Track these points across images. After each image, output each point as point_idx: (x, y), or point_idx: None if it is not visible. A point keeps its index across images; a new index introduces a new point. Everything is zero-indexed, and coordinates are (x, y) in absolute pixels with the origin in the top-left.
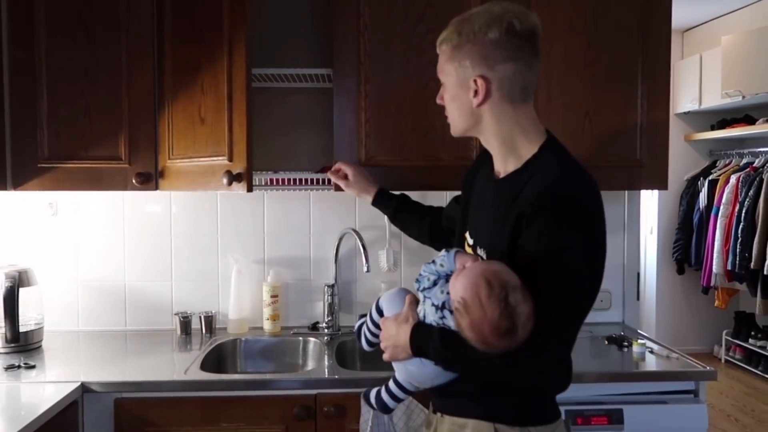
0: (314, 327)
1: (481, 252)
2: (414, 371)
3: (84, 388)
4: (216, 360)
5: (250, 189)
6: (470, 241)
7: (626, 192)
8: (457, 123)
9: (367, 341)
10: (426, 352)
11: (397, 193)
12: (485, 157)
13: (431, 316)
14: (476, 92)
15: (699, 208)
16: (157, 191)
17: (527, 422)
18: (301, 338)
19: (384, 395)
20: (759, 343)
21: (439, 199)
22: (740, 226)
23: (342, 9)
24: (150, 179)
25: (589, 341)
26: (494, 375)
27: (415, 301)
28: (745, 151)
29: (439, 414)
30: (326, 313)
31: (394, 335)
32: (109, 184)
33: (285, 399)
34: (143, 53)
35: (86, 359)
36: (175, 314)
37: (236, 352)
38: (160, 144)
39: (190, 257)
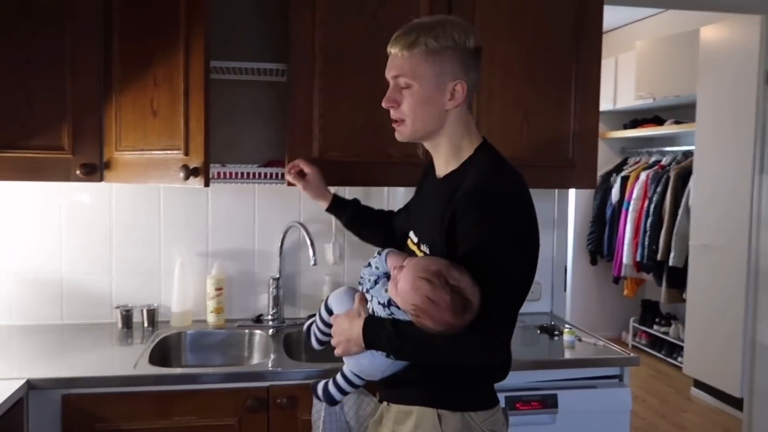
0: (258, 319)
1: (424, 248)
2: (365, 364)
3: (29, 385)
4: (161, 353)
5: (207, 184)
6: (414, 239)
7: (556, 190)
8: (419, 125)
9: (317, 340)
10: (378, 343)
11: (350, 198)
12: (428, 166)
13: (380, 313)
14: (452, 96)
15: (611, 202)
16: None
17: (468, 408)
18: (246, 330)
19: (331, 388)
20: (662, 329)
21: (380, 195)
22: (648, 221)
23: (297, 3)
24: (95, 170)
25: (523, 330)
26: (443, 358)
27: (365, 299)
28: (654, 149)
29: (385, 403)
30: (271, 305)
31: (347, 330)
32: (51, 174)
33: (237, 391)
34: (89, 43)
35: (26, 355)
36: (116, 307)
37: (181, 345)
38: (105, 135)
39: (130, 250)
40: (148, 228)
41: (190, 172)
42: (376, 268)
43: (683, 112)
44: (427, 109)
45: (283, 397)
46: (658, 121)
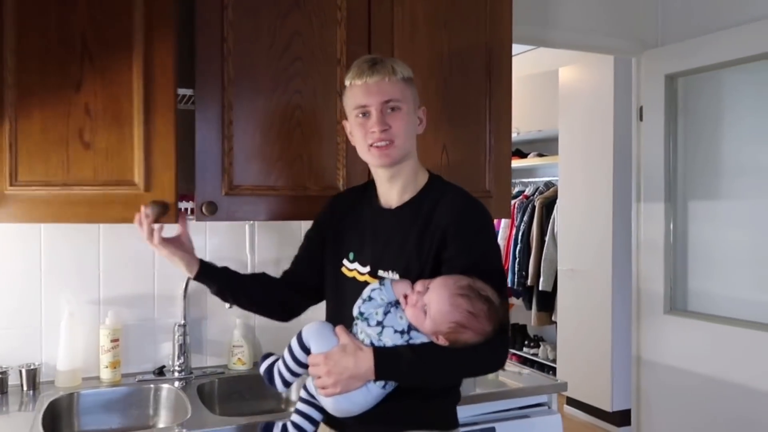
0: (161, 372)
1: (390, 274)
2: (356, 400)
3: None
4: (50, 421)
5: (176, 220)
6: (363, 270)
7: None
8: (405, 147)
9: (284, 381)
10: (396, 371)
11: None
12: (345, 199)
13: (393, 341)
14: (421, 121)
15: None
16: None
17: (449, 428)
18: (151, 386)
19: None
20: (531, 351)
21: (295, 229)
22: (518, 247)
23: (205, 33)
24: None
25: None
26: (469, 371)
27: (347, 331)
28: (516, 180)
29: None
30: (176, 354)
31: (352, 366)
32: None
33: None
34: None
35: None
36: None
37: (73, 409)
38: None
39: (3, 300)
40: (26, 273)
41: None
42: (382, 299)
43: (542, 145)
44: (411, 131)
45: None
46: (520, 154)
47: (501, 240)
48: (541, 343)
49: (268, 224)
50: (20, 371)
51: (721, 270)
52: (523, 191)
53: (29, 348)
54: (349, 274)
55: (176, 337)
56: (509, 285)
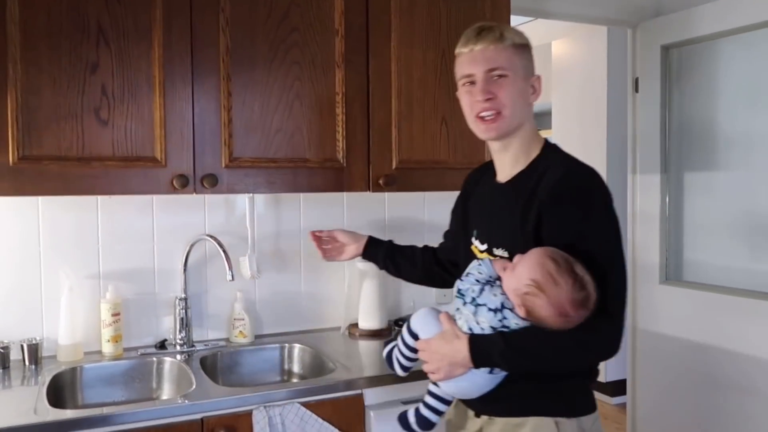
0: (163, 345)
1: (500, 252)
2: (465, 385)
3: None
4: (54, 395)
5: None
6: (481, 247)
7: None
8: (515, 117)
9: (402, 366)
10: (489, 360)
11: (384, 240)
12: (475, 175)
13: (488, 322)
14: (534, 90)
15: None
16: None
17: (581, 413)
18: (153, 359)
19: (425, 412)
20: None
21: (293, 202)
22: None
23: (202, 3)
24: None
25: None
26: (564, 360)
27: (452, 318)
28: None
29: (485, 417)
30: (178, 328)
31: (450, 353)
32: None
33: (167, 429)
34: None
35: None
36: None
37: (76, 383)
38: None
39: (2, 275)
40: (24, 249)
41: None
42: (479, 273)
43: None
44: (520, 100)
45: (221, 429)
46: None
47: None
48: None
49: (268, 197)
50: (22, 346)
51: (715, 240)
52: None
53: (30, 323)
54: (475, 252)
55: (177, 310)
56: None
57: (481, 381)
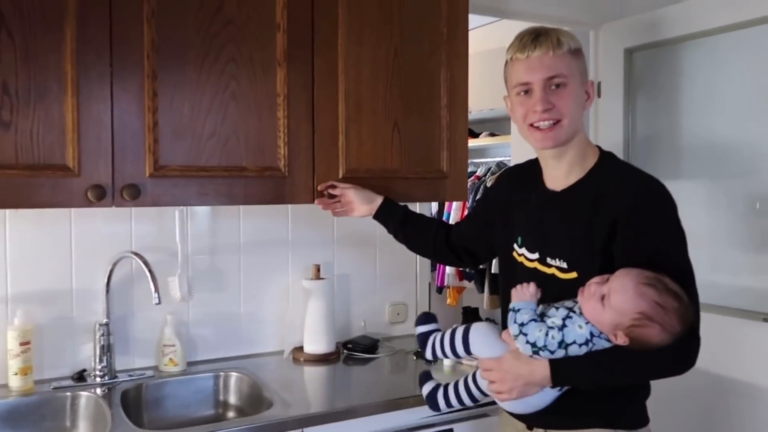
0: (81, 377)
1: (557, 262)
2: (533, 402)
3: None
4: None
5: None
6: (530, 255)
7: (417, 204)
8: (572, 127)
9: (434, 355)
10: (571, 381)
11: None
12: (516, 175)
13: (575, 352)
14: (588, 97)
15: (431, 213)
16: None
17: (638, 425)
18: (68, 393)
19: (454, 401)
20: None
21: (232, 212)
22: None
23: None
24: None
25: (398, 358)
26: (650, 375)
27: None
28: (468, 161)
29: (540, 430)
30: (98, 357)
31: (526, 374)
32: None
33: None
34: None
35: None
36: None
37: None
38: None
39: None
40: None
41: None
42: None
43: (494, 124)
44: (578, 109)
45: None
46: (472, 134)
47: (453, 221)
48: None
49: (202, 209)
50: None
51: None
52: (475, 172)
53: None
54: (519, 259)
55: (98, 336)
56: (462, 268)
57: (548, 398)
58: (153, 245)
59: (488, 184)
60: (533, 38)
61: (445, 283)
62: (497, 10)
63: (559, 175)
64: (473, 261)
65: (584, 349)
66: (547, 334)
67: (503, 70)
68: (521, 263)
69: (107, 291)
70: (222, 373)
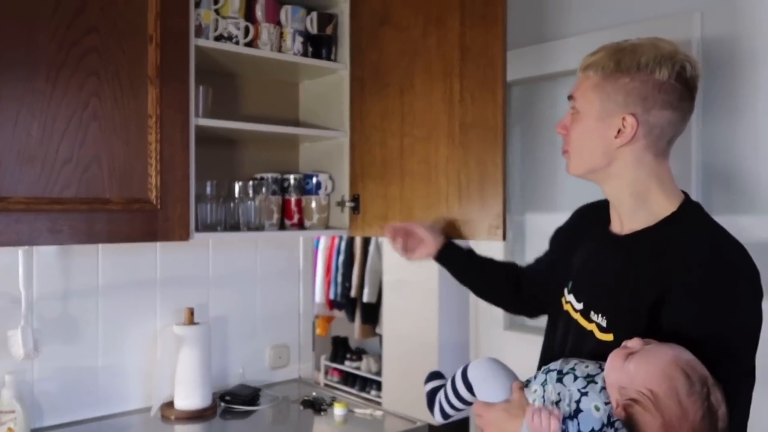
0: None
1: (598, 318)
2: None
3: None
4: None
5: None
6: (577, 306)
7: (301, 238)
8: (582, 160)
9: (443, 413)
10: None
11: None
12: (590, 213)
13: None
14: (620, 131)
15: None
16: None
17: None
18: None
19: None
20: (354, 364)
21: (90, 253)
22: (340, 258)
23: None
24: None
25: (281, 408)
26: None
27: (522, 389)
28: None
29: None
30: None
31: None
32: None
33: None
34: None
35: None
36: None
37: None
38: None
39: None
40: None
41: None
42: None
43: None
44: (590, 142)
45: None
46: None
47: (322, 251)
48: (363, 356)
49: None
50: None
51: None
52: None
53: None
54: (566, 307)
55: None
56: (332, 297)
57: None
58: None
59: None
60: (590, 54)
61: (315, 313)
62: None
63: (622, 217)
64: (541, 310)
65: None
66: (570, 399)
67: None
68: (567, 312)
69: None
70: None
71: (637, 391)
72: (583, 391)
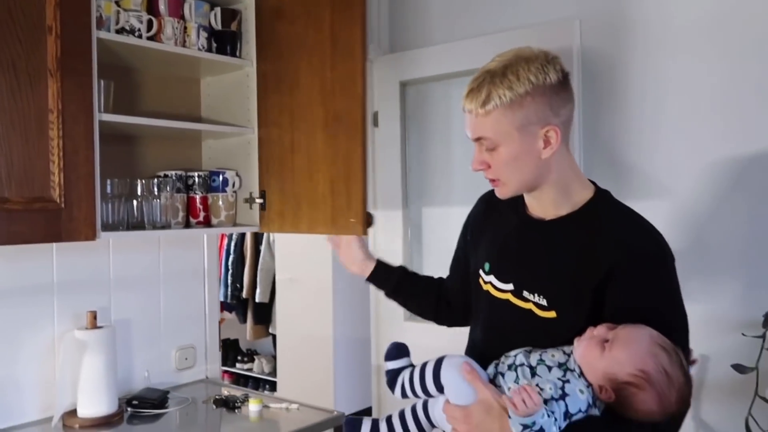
0: None
1: (535, 298)
2: None
3: None
4: None
5: None
6: (503, 286)
7: (205, 236)
8: (519, 182)
9: (403, 394)
10: None
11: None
12: (494, 198)
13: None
14: (546, 143)
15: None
16: None
17: None
18: None
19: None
20: (246, 366)
21: None
22: (230, 258)
23: None
24: None
25: (190, 410)
26: None
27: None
28: None
29: None
30: None
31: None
32: None
33: None
34: None
35: None
36: None
37: None
38: None
39: None
40: None
41: None
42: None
43: None
44: (521, 164)
45: None
46: None
47: None
48: (255, 357)
49: None
50: None
51: None
52: None
53: None
54: (485, 287)
55: None
56: (222, 299)
57: None
58: None
59: None
60: (468, 91)
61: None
62: None
63: (542, 208)
64: (465, 309)
65: (580, 416)
66: (555, 421)
67: None
68: (487, 292)
69: None
70: None
71: (629, 374)
72: (563, 379)
